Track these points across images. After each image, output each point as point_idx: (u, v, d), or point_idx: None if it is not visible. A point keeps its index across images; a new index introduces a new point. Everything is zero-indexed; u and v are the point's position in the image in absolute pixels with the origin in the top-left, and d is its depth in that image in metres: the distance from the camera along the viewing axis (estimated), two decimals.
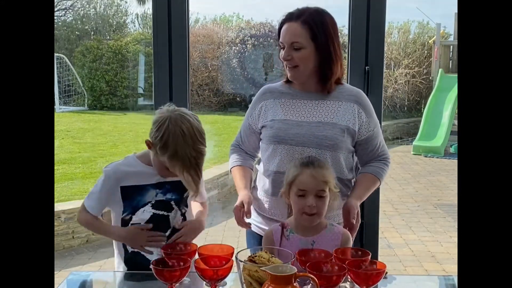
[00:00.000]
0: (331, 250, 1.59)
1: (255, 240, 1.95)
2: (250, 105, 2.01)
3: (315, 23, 1.81)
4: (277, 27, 1.91)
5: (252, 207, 1.97)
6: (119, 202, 1.80)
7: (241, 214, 1.81)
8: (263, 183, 1.92)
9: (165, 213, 1.83)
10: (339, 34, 1.88)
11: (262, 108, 1.94)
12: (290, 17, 1.84)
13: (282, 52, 1.85)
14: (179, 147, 1.66)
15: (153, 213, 1.81)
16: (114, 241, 1.88)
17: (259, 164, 1.99)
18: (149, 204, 1.81)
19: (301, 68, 1.84)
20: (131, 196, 1.80)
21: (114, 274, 1.92)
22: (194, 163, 1.69)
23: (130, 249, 1.82)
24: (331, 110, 1.86)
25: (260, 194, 1.94)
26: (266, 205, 1.91)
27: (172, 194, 1.83)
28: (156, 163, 1.77)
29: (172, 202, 1.84)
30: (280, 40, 1.86)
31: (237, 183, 1.95)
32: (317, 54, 1.82)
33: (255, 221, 1.96)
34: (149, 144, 1.75)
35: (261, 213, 1.93)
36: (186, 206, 1.88)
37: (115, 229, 1.84)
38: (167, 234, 1.83)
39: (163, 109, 1.75)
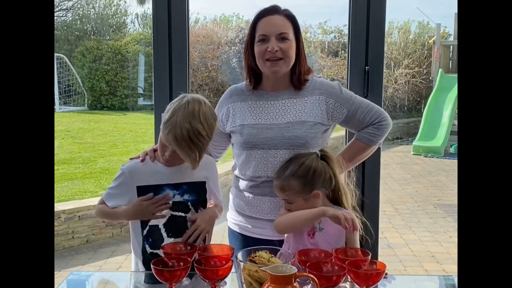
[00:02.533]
0: (337, 232, 1.65)
1: (236, 239, 1.96)
2: (217, 105, 2.00)
3: (295, 19, 1.87)
4: None
5: (231, 207, 2.00)
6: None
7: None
8: (239, 185, 1.93)
9: (183, 214, 1.83)
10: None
11: (229, 110, 1.94)
12: (275, 11, 1.84)
13: (260, 46, 1.83)
14: (178, 118, 1.67)
15: (171, 214, 1.81)
16: (131, 243, 1.86)
17: (234, 169, 1.98)
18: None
19: (286, 61, 1.83)
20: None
21: (131, 274, 1.88)
22: (186, 136, 1.66)
23: (149, 250, 1.81)
24: (298, 108, 1.86)
25: (238, 194, 1.94)
26: (244, 204, 1.91)
27: (190, 195, 1.83)
28: (160, 146, 1.77)
29: (189, 203, 1.84)
30: (262, 33, 1.83)
31: None
32: (296, 49, 1.86)
33: (235, 220, 1.98)
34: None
35: (241, 212, 1.94)
36: (204, 207, 1.87)
37: (122, 210, 1.82)
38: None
39: (188, 94, 1.78)
